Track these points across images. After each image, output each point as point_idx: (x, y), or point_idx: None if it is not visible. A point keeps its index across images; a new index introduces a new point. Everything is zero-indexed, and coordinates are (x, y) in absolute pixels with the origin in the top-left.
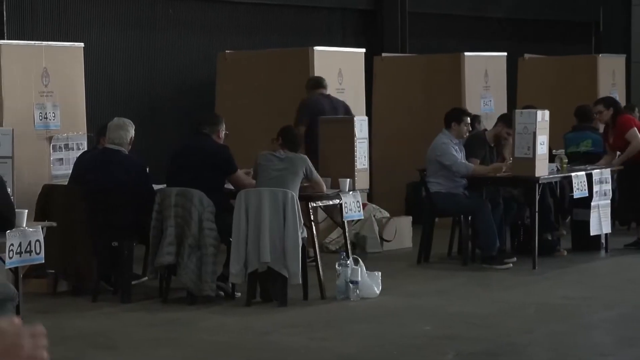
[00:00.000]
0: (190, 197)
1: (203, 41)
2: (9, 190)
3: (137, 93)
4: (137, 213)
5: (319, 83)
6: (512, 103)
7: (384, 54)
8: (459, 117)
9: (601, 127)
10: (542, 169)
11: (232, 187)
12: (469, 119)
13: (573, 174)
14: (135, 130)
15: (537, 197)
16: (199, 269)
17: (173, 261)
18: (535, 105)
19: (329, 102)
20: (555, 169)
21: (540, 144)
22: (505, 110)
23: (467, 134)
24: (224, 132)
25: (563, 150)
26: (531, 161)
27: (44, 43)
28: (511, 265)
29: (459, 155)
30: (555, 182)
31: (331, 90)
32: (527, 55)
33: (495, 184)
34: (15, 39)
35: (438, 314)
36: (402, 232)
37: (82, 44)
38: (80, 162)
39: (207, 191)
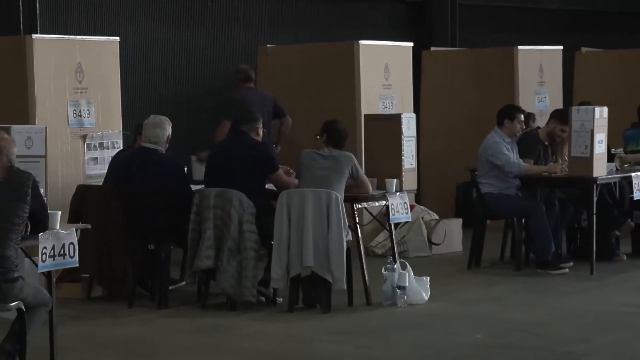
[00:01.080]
0: (230, 198)
1: (243, 35)
2: (41, 191)
3: (174, 89)
4: (175, 215)
5: (248, 76)
6: (568, 99)
7: (432, 48)
8: (512, 114)
9: None
10: (600, 169)
11: (274, 188)
12: (522, 116)
13: (633, 174)
14: (172, 128)
15: (595, 199)
16: (239, 273)
17: (212, 265)
18: (593, 102)
19: (257, 98)
20: (614, 169)
21: (598, 142)
22: (561, 107)
23: (520, 132)
24: (262, 130)
25: (622, 149)
26: (588, 161)
27: (78, 37)
28: (567, 270)
29: (512, 154)
30: (614, 183)
31: (377, 86)
32: (584, 49)
33: (550, 184)
34: (49, 33)
35: (490, 322)
36: (452, 235)
37: (117, 38)
38: (115, 161)
39: (247, 192)
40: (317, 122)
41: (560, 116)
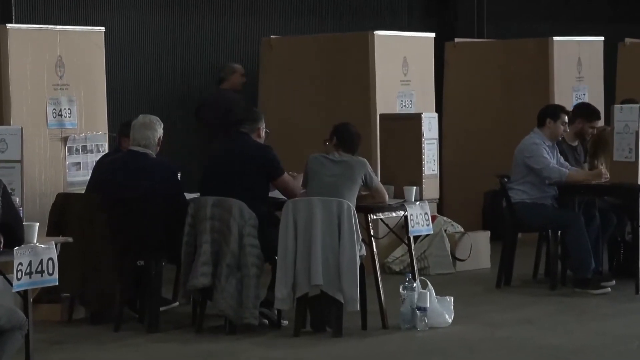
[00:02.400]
0: (229, 207)
1: (244, 24)
2: (17, 200)
3: (166, 86)
4: (167, 227)
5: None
6: (610, 96)
7: (457, 40)
8: (555, 114)
9: None
10: None
11: (279, 196)
12: (566, 117)
13: None
14: (163, 129)
15: None
16: (239, 292)
17: (209, 283)
18: (638, 99)
19: (207, 103)
20: None
21: None
22: (602, 106)
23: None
24: (264, 131)
25: None
26: (633, 165)
27: (59, 27)
28: (609, 289)
29: (552, 159)
30: None
31: (394, 82)
32: (628, 40)
33: (590, 192)
34: (26, 23)
35: (522, 348)
36: (479, 249)
37: (103, 28)
38: (100, 166)
39: (249, 200)
40: (326, 123)
41: (586, 113)
